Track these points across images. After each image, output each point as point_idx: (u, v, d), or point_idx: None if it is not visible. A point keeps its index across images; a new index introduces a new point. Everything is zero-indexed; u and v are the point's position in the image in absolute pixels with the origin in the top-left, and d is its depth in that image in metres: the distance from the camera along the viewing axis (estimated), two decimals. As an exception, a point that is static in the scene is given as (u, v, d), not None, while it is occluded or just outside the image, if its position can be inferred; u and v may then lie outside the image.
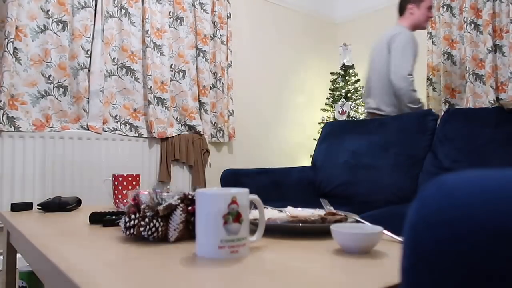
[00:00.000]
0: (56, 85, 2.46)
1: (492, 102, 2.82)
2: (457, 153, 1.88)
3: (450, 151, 1.91)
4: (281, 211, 0.98)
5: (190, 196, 0.80)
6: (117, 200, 1.35)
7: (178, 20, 2.97)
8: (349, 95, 3.60)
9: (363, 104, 3.56)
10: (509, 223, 0.25)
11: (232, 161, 3.33)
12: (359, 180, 2.13)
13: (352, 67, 3.68)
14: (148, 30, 2.76)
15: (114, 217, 1.00)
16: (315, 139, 3.83)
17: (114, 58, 2.70)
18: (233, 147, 3.37)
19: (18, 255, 1.29)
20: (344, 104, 3.54)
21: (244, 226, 0.67)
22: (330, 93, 3.73)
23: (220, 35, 3.17)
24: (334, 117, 3.61)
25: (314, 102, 3.95)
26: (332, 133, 2.46)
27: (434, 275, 0.27)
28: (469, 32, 2.98)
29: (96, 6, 2.60)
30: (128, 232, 0.80)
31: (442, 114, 2.10)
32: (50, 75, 2.44)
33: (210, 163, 3.07)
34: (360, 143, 2.24)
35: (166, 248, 0.73)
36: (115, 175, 1.37)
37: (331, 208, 1.03)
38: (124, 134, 2.68)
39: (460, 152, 1.87)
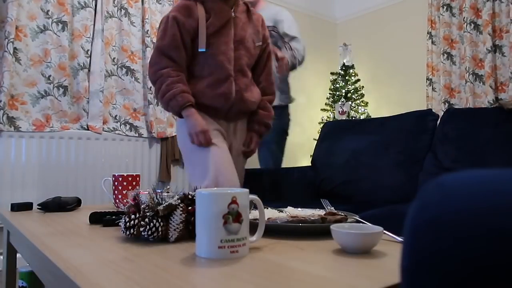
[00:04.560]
0: (56, 85, 2.46)
1: (492, 102, 2.82)
2: (457, 153, 1.88)
3: (450, 151, 1.91)
4: (281, 211, 0.98)
5: (190, 196, 0.80)
6: (117, 200, 1.35)
7: (178, 20, 2.97)
8: (349, 95, 3.60)
9: (363, 104, 3.56)
10: (508, 222, 0.25)
11: (232, 161, 3.33)
12: (359, 179, 2.13)
13: (352, 67, 3.68)
14: (148, 30, 2.76)
15: (114, 217, 1.00)
16: (315, 139, 3.83)
17: (114, 58, 2.70)
18: (233, 147, 3.37)
19: (18, 255, 1.29)
20: (344, 104, 3.54)
21: (244, 226, 0.67)
22: (330, 93, 3.73)
23: (220, 35, 3.16)
24: (334, 117, 3.61)
25: (314, 102, 3.95)
26: (332, 133, 2.46)
27: (434, 275, 0.27)
28: (468, 32, 2.98)
29: (96, 6, 2.59)
30: (128, 232, 0.80)
31: (442, 114, 2.10)
32: (50, 75, 2.44)
33: (210, 163, 3.07)
34: (360, 143, 2.24)
35: (166, 248, 0.73)
36: (115, 175, 1.37)
37: (332, 208, 1.03)
38: (124, 134, 2.68)
39: (460, 152, 1.87)
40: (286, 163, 3.67)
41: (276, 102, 1.93)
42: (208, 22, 1.51)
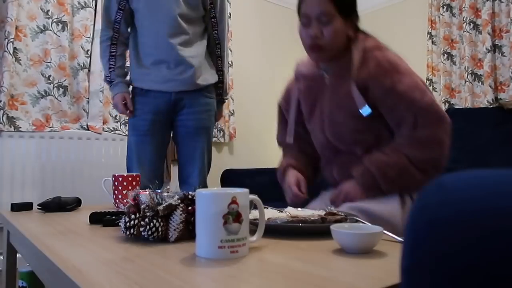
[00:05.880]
0: (56, 85, 2.46)
1: (491, 102, 2.82)
2: (457, 153, 1.88)
3: (450, 151, 1.91)
4: (281, 211, 0.98)
5: (190, 196, 0.80)
6: (117, 200, 1.35)
7: (178, 20, 2.97)
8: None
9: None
10: (508, 223, 0.25)
11: (233, 161, 3.33)
12: (359, 180, 2.13)
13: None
14: (148, 30, 2.76)
15: (114, 217, 1.00)
16: (315, 139, 3.83)
17: (114, 58, 2.70)
18: (233, 147, 3.37)
19: (18, 255, 1.29)
20: (344, 104, 3.54)
21: (244, 226, 0.67)
22: (330, 93, 3.73)
23: (220, 35, 3.16)
24: (334, 117, 3.60)
25: (314, 102, 3.94)
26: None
27: (434, 275, 0.27)
28: (468, 32, 2.98)
29: (96, 6, 2.59)
30: (128, 232, 0.80)
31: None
32: (50, 75, 2.44)
33: (210, 163, 3.07)
34: (360, 143, 2.24)
35: (166, 248, 0.73)
36: (115, 175, 1.37)
37: (332, 208, 1.03)
38: (124, 134, 2.68)
39: (460, 152, 1.87)
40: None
41: (208, 81, 1.91)
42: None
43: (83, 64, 2.53)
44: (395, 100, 1.11)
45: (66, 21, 2.50)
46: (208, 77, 1.90)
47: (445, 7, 3.14)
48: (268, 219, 0.87)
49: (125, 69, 1.90)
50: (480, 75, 2.94)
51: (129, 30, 1.89)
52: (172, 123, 1.92)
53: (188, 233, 0.79)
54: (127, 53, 1.94)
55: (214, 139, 3.15)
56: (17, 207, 1.35)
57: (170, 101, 1.85)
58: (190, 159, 1.91)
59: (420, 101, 1.10)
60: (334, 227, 0.72)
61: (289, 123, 1.34)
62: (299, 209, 1.01)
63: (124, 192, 1.33)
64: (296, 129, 1.35)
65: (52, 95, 2.44)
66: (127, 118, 1.94)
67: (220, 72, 2.00)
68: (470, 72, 2.96)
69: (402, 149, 1.10)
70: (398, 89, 1.10)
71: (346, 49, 1.20)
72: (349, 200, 1.14)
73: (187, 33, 1.81)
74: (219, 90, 2.03)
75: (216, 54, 1.98)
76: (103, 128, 2.60)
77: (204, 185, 1.90)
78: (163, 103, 1.85)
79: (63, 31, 2.49)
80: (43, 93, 2.42)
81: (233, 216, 0.65)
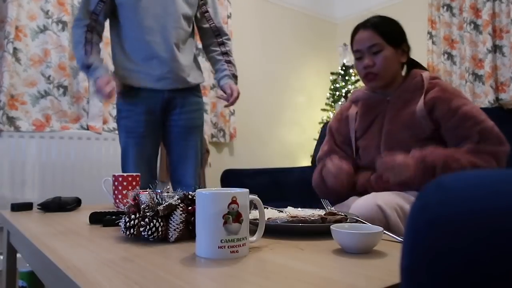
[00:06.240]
0: (56, 85, 2.46)
1: (492, 102, 2.82)
2: (457, 153, 1.87)
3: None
4: (281, 211, 0.98)
5: (190, 196, 0.80)
6: (117, 200, 1.35)
7: (178, 20, 2.97)
8: (349, 95, 3.60)
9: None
10: (508, 223, 0.25)
11: (233, 161, 3.33)
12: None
13: (352, 67, 3.68)
14: (148, 30, 2.75)
15: (114, 217, 1.00)
16: (315, 139, 3.83)
17: (114, 58, 2.70)
18: (233, 147, 3.37)
19: (18, 255, 1.29)
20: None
21: (244, 226, 0.67)
22: (330, 93, 3.73)
23: (220, 35, 3.16)
24: (334, 117, 3.60)
25: (314, 102, 3.95)
26: (332, 133, 2.46)
27: (434, 275, 0.27)
28: (468, 32, 2.98)
29: (96, 6, 2.60)
30: (128, 232, 0.80)
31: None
32: (50, 75, 2.44)
33: (210, 163, 3.07)
34: (360, 143, 2.24)
35: (166, 248, 0.73)
36: (115, 175, 1.37)
37: (332, 208, 1.04)
38: (124, 134, 2.68)
39: (460, 152, 1.87)
40: (286, 163, 3.67)
41: (198, 80, 1.90)
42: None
43: (83, 64, 2.53)
44: (461, 118, 1.18)
45: (66, 21, 2.50)
46: (197, 76, 1.90)
47: (445, 7, 3.14)
48: (268, 219, 0.87)
49: (102, 58, 1.76)
50: (481, 75, 2.94)
51: (106, 24, 1.80)
52: (164, 123, 1.88)
53: (188, 233, 0.79)
54: (100, 45, 1.83)
55: (214, 139, 3.16)
56: (17, 207, 1.35)
57: (163, 100, 1.80)
58: (184, 159, 1.89)
59: (485, 122, 1.18)
60: (334, 227, 0.72)
61: (352, 141, 1.41)
62: (299, 209, 1.01)
63: (124, 192, 1.33)
64: (343, 148, 1.44)
65: (52, 95, 2.44)
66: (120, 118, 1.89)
67: (226, 54, 1.99)
68: (471, 72, 2.96)
69: (464, 153, 1.14)
70: (464, 109, 1.19)
71: (405, 76, 1.36)
72: (399, 176, 1.13)
73: (184, 30, 1.80)
74: (231, 68, 1.99)
75: (218, 42, 1.97)
76: (103, 128, 2.60)
77: (201, 184, 1.89)
78: (156, 102, 1.79)
79: (63, 31, 2.49)
80: (43, 93, 2.42)
81: (233, 216, 0.65)
